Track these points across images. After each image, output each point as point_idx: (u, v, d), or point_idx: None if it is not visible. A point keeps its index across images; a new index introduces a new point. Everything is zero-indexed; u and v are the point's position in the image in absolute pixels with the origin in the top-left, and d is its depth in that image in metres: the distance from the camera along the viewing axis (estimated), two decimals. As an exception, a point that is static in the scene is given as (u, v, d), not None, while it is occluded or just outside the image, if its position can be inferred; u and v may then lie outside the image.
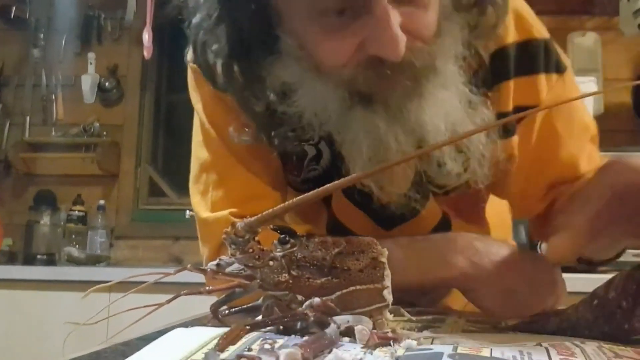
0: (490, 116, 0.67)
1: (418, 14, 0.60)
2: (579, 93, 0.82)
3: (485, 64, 0.72)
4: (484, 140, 0.67)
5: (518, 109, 0.74)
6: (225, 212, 0.75)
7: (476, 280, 0.65)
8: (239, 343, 0.36)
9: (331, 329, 0.37)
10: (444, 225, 0.79)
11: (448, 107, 0.64)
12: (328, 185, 0.39)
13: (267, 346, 0.34)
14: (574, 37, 2.66)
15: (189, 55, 0.78)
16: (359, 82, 0.62)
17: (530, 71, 0.74)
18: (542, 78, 0.75)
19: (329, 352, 0.34)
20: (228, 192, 0.77)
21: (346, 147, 0.66)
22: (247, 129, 0.72)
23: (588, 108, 2.20)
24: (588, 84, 2.16)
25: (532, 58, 0.74)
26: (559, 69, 0.77)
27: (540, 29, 0.77)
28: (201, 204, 0.78)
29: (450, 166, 0.67)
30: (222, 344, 0.33)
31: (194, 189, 0.80)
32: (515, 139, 0.75)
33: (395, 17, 0.57)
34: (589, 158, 0.79)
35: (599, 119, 2.79)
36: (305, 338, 0.35)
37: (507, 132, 0.74)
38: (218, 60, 0.68)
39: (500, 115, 0.71)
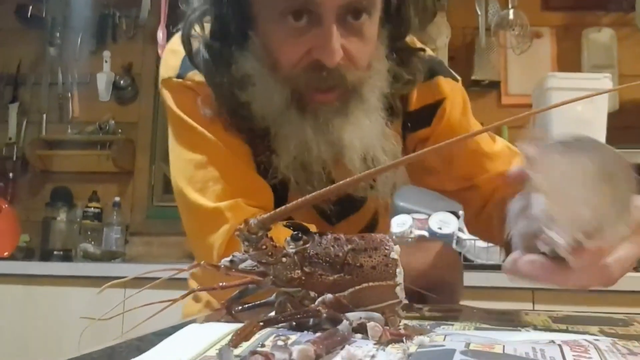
0: (398, 148, 0.83)
1: (358, 43, 0.75)
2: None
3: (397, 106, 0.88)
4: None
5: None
6: (237, 199, 0.78)
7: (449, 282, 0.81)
8: (252, 339, 0.36)
9: (343, 326, 0.37)
10: (374, 220, 0.97)
11: (366, 132, 0.78)
12: (335, 184, 0.39)
13: (280, 342, 0.34)
14: (589, 33, 2.64)
15: (167, 71, 0.87)
16: (300, 82, 0.75)
17: (430, 76, 0.91)
18: (440, 79, 0.93)
19: (342, 349, 0.34)
20: (231, 185, 0.80)
21: (277, 141, 0.79)
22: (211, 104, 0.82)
23: (603, 105, 2.18)
24: (603, 80, 2.13)
25: (431, 67, 0.91)
26: (454, 77, 0.96)
27: (431, 51, 0.95)
28: (202, 198, 0.80)
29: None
30: (236, 340, 0.33)
31: (188, 189, 0.82)
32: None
33: (337, 34, 0.72)
34: (493, 143, 0.95)
35: (614, 115, 2.76)
36: (318, 334, 0.35)
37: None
38: (200, 43, 0.81)
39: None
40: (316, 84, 0.75)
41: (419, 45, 0.90)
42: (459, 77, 0.98)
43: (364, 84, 0.78)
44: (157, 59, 2.85)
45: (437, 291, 0.79)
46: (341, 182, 0.39)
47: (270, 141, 0.80)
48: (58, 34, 2.97)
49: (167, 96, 0.87)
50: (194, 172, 0.82)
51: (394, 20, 0.83)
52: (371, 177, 0.79)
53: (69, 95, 2.96)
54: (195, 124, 0.83)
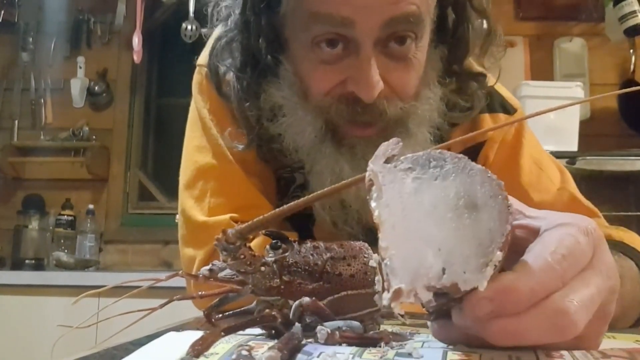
0: None
1: (402, 71, 0.68)
2: (534, 135, 0.87)
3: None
4: None
5: (465, 151, 0.78)
6: (227, 216, 0.76)
7: None
8: (224, 350, 0.36)
9: (296, 328, 0.37)
10: None
11: None
12: (314, 193, 0.39)
13: (244, 352, 0.33)
14: (560, 43, 2.69)
15: (202, 59, 0.81)
16: (332, 112, 0.69)
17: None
18: (485, 117, 0.82)
19: (321, 353, 0.34)
20: (228, 200, 0.78)
21: (312, 176, 0.73)
22: (241, 137, 0.77)
23: (575, 113, 2.22)
24: (574, 88, 2.18)
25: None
26: (506, 110, 0.85)
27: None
28: (196, 208, 0.78)
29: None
30: (198, 350, 0.33)
31: (186, 193, 0.80)
32: None
33: (375, 65, 0.64)
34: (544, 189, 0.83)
35: (586, 123, 2.80)
36: (280, 339, 0.35)
37: None
38: (228, 71, 0.75)
39: None
40: (350, 118, 0.69)
41: (477, 69, 0.81)
42: (516, 107, 0.86)
43: (410, 115, 0.70)
44: (133, 65, 2.83)
45: None
46: (320, 192, 0.39)
47: (305, 176, 0.74)
48: (31, 39, 2.93)
49: (197, 81, 0.82)
50: (195, 178, 0.80)
51: (449, 41, 0.75)
52: (349, 187, 0.74)
53: (42, 101, 2.92)
54: (211, 124, 0.79)
